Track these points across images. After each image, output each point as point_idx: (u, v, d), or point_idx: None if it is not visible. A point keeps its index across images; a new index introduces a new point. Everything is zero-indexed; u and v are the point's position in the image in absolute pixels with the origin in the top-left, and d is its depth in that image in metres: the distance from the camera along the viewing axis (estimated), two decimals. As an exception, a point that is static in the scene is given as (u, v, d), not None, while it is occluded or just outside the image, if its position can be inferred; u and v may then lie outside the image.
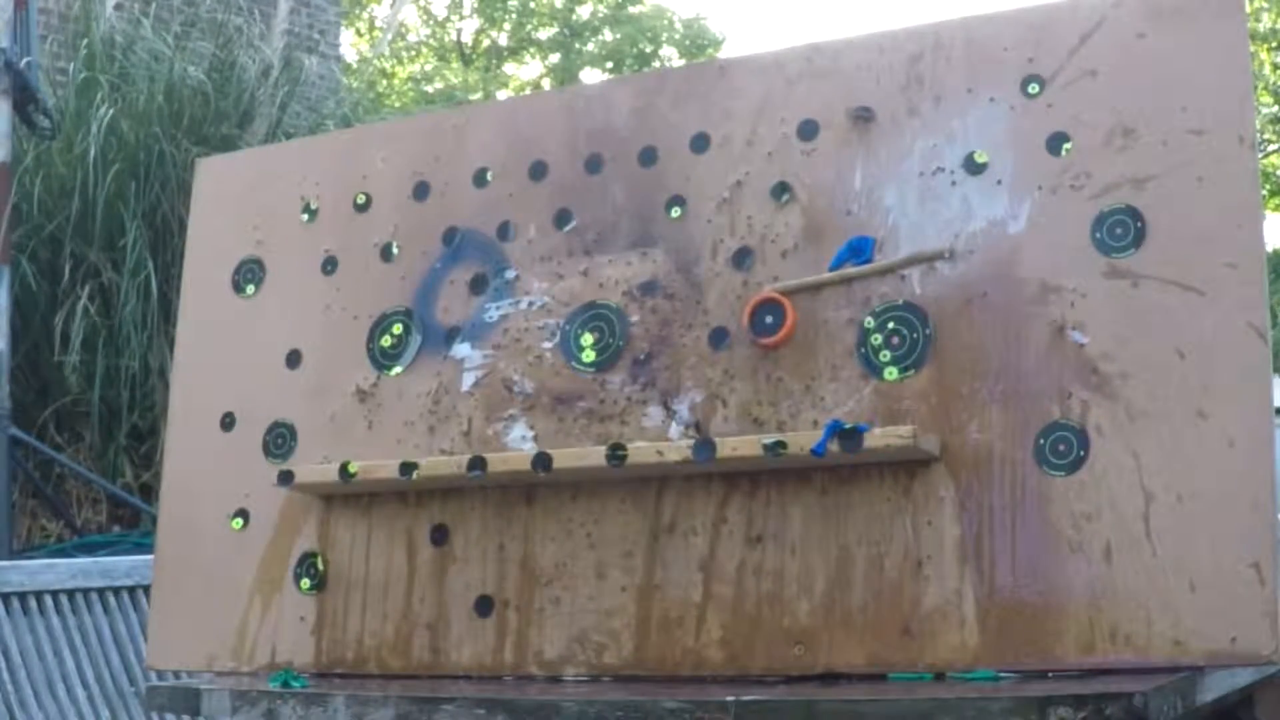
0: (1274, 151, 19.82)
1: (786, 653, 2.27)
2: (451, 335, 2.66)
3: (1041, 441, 2.17)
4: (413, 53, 23.34)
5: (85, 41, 7.27)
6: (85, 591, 3.86)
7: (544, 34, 23.81)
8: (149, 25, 7.46)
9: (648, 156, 2.58)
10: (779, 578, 2.30)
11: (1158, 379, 2.12)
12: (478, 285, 2.67)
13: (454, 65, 22.89)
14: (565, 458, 2.40)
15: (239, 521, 2.77)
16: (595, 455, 2.37)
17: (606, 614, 2.42)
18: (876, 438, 2.19)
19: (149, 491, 6.37)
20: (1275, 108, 19.17)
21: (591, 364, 2.53)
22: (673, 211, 2.54)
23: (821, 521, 2.29)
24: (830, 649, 2.24)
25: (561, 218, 2.63)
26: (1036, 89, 2.30)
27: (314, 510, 2.70)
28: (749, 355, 2.41)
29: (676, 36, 22.93)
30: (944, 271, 2.31)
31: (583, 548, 2.46)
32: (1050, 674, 2.07)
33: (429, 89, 21.66)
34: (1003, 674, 2.11)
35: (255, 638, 2.70)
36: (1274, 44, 18.68)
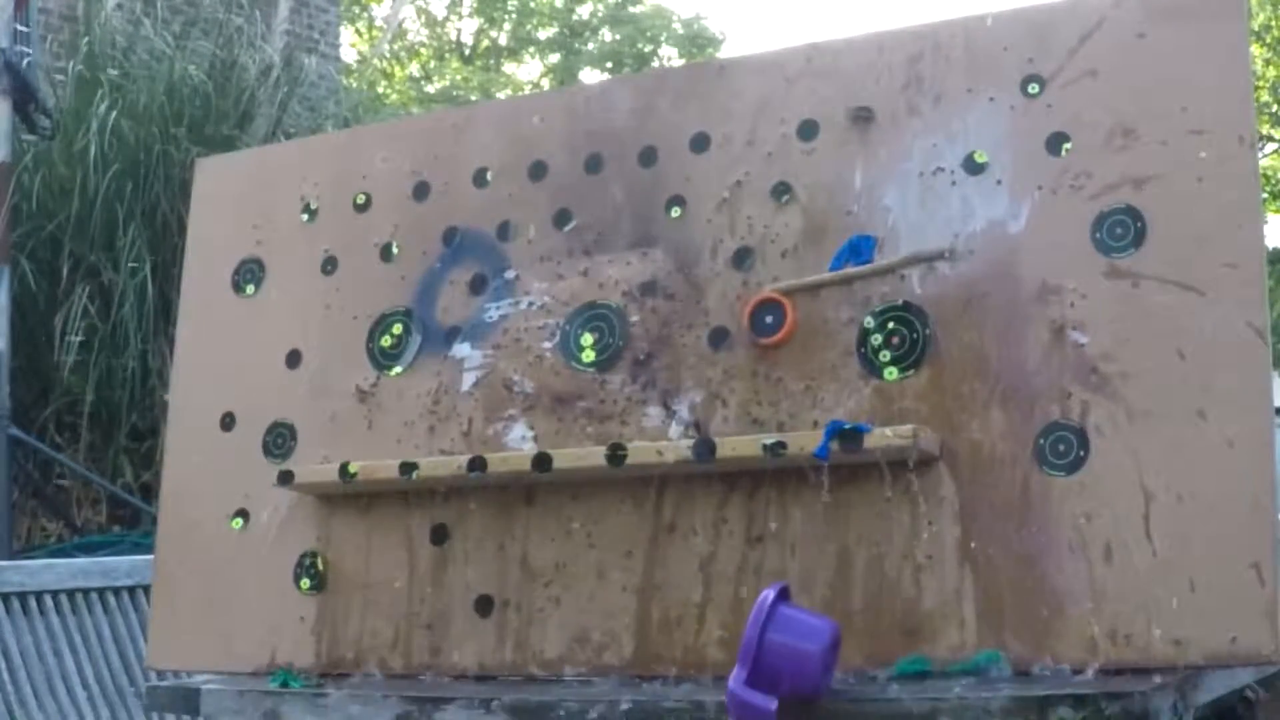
0: (1273, 152, 19.84)
1: (786, 653, 2.27)
2: (451, 335, 2.66)
3: (1041, 441, 2.17)
4: (412, 53, 23.34)
5: (85, 41, 7.27)
6: (85, 591, 3.87)
7: (544, 34, 23.81)
8: (149, 25, 7.46)
9: (648, 156, 2.58)
10: (779, 578, 2.30)
11: (1158, 379, 2.12)
12: (478, 285, 2.67)
13: (454, 65, 22.89)
14: (565, 458, 2.40)
15: (239, 521, 2.77)
16: (595, 455, 2.37)
17: (606, 614, 2.42)
18: (876, 438, 2.19)
19: (149, 491, 6.37)
20: (1275, 107, 19.19)
21: (591, 364, 2.53)
22: (673, 211, 2.54)
23: (821, 521, 2.29)
24: (830, 649, 2.24)
25: (561, 218, 2.63)
26: (1036, 89, 2.30)
27: (314, 510, 2.70)
28: (749, 355, 2.41)
29: (676, 36, 22.92)
30: (944, 271, 2.31)
31: (583, 548, 2.46)
32: (1050, 674, 2.07)
33: (429, 89, 21.66)
34: (1010, 655, 2.10)
35: (255, 638, 2.69)
36: (1267, 40, 18.70)
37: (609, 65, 22.42)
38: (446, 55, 23.29)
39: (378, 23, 21.57)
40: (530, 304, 2.61)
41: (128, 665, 3.84)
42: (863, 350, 2.33)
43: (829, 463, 2.23)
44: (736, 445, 2.28)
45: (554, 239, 2.62)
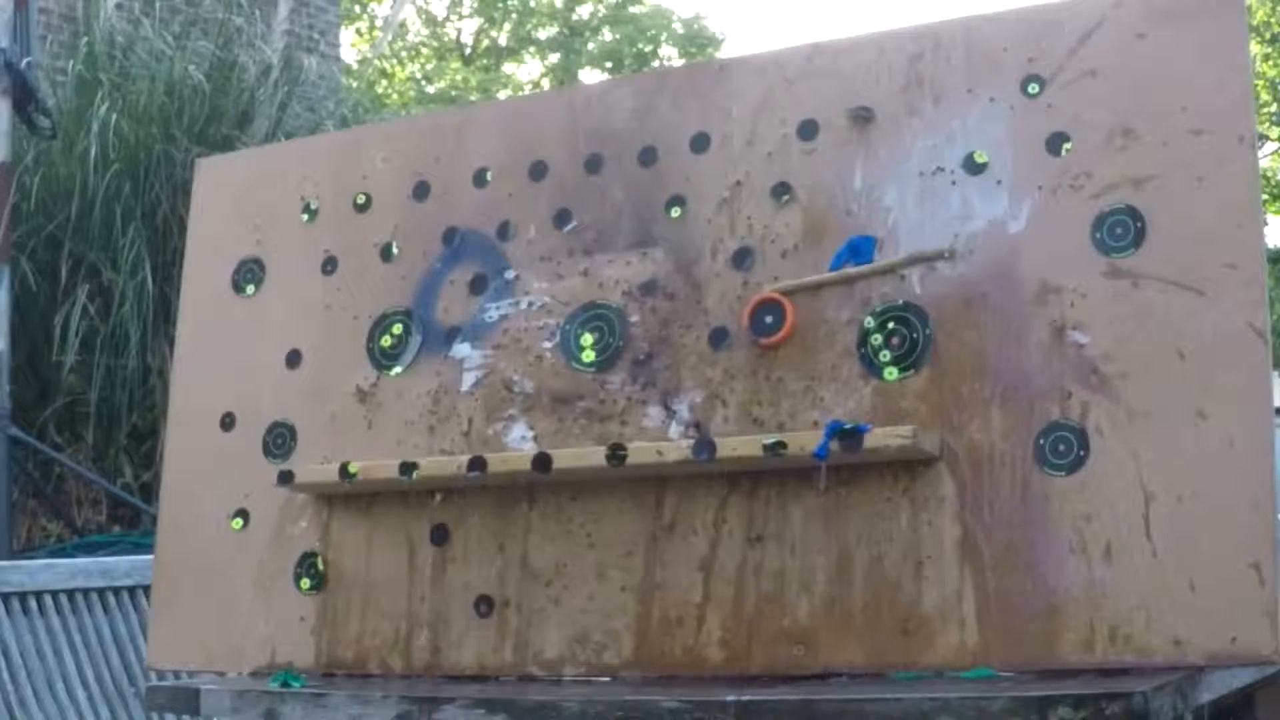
0: (1273, 153, 19.86)
1: (786, 653, 2.27)
2: (451, 335, 2.66)
3: (1041, 441, 2.17)
4: (413, 53, 23.34)
5: (85, 41, 7.26)
6: (85, 591, 3.86)
7: (544, 34, 23.82)
8: (149, 25, 7.46)
9: (648, 156, 2.58)
10: (779, 578, 2.30)
11: (1158, 379, 2.12)
12: (478, 285, 2.67)
13: (454, 65, 22.89)
14: (565, 458, 2.40)
15: (239, 521, 2.77)
16: (595, 455, 2.37)
17: (606, 614, 2.42)
18: (876, 438, 2.19)
19: (149, 491, 6.37)
20: (1274, 106, 19.21)
21: (591, 364, 2.53)
22: (673, 211, 2.54)
23: (821, 521, 2.29)
24: (830, 649, 2.24)
25: (561, 218, 2.63)
26: (1036, 89, 2.30)
27: (314, 510, 2.70)
28: (749, 355, 2.41)
29: (676, 36, 22.94)
30: (944, 271, 2.31)
31: (583, 548, 2.46)
32: (1050, 674, 2.07)
33: (429, 89, 21.67)
34: (1002, 674, 2.10)
35: (255, 638, 2.70)
36: (1265, 37, 18.73)
37: (609, 65, 22.43)
38: (446, 55, 23.30)
39: (378, 23, 21.57)
40: (530, 304, 2.61)
41: (128, 665, 3.84)
42: (863, 350, 2.33)
43: (829, 463, 2.23)
44: (737, 445, 2.28)
45: (554, 239, 2.62)
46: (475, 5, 23.62)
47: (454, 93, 20.58)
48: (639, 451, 2.35)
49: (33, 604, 3.73)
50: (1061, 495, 2.14)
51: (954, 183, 2.33)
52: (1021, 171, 2.29)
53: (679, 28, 23.05)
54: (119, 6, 7.50)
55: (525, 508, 2.52)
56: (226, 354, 2.88)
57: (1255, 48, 18.29)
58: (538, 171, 2.68)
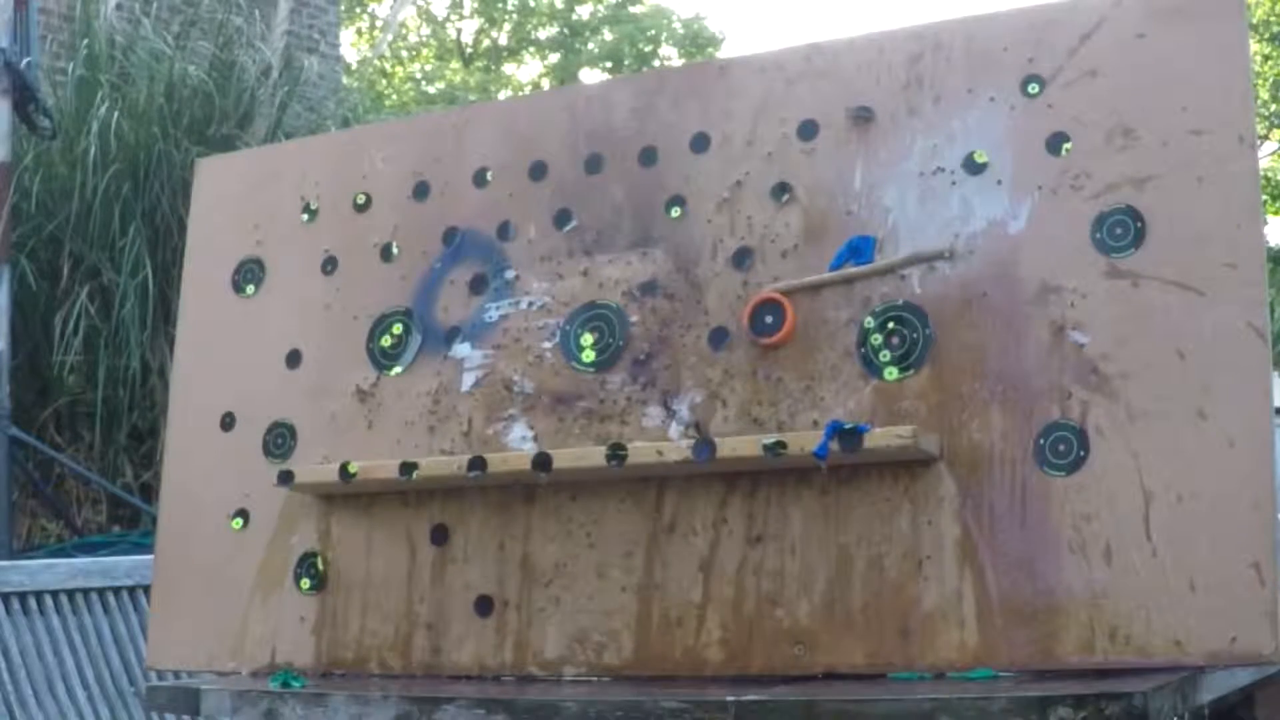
0: (1273, 153, 19.87)
1: (786, 653, 2.27)
2: (451, 335, 2.66)
3: (1041, 441, 2.17)
4: (413, 53, 23.34)
5: (85, 41, 7.27)
6: (85, 591, 3.87)
7: (544, 34, 23.82)
8: (149, 25, 7.46)
9: (648, 156, 2.58)
10: (779, 578, 2.30)
11: (1158, 379, 2.12)
12: (478, 285, 2.67)
13: (454, 65, 22.90)
14: (565, 458, 2.40)
15: (239, 521, 2.77)
16: (595, 455, 2.37)
17: (606, 614, 2.42)
18: (876, 438, 2.19)
19: (149, 491, 6.37)
20: (1274, 106, 19.22)
21: (591, 364, 2.53)
22: (673, 211, 2.54)
23: (821, 521, 2.29)
24: (830, 649, 2.24)
25: (561, 218, 2.63)
26: (1036, 89, 2.31)
27: (314, 510, 2.70)
28: (749, 355, 2.41)
29: (676, 36, 22.94)
30: (944, 271, 2.31)
31: (583, 548, 2.46)
32: (1050, 674, 2.07)
33: (429, 89, 21.67)
34: (1002, 674, 2.11)
35: (255, 638, 2.70)
36: (1265, 36, 18.73)
37: (609, 65, 22.43)
38: (446, 56, 23.30)
39: (378, 23, 21.57)
40: (530, 304, 2.61)
41: (128, 665, 3.84)
42: (863, 350, 2.33)
43: (828, 463, 2.23)
44: (736, 445, 2.28)
45: (554, 239, 2.62)
46: (475, 5, 23.62)
47: (455, 93, 20.58)
48: (639, 451, 2.35)
49: (33, 604, 3.74)
50: (1061, 495, 2.14)
51: (954, 183, 2.33)
52: (1021, 171, 2.29)
53: (679, 28, 23.04)
54: (119, 6, 7.50)
55: (525, 508, 2.52)
56: (226, 354, 2.88)
57: (1255, 47, 18.30)
58: (538, 171, 2.68)
